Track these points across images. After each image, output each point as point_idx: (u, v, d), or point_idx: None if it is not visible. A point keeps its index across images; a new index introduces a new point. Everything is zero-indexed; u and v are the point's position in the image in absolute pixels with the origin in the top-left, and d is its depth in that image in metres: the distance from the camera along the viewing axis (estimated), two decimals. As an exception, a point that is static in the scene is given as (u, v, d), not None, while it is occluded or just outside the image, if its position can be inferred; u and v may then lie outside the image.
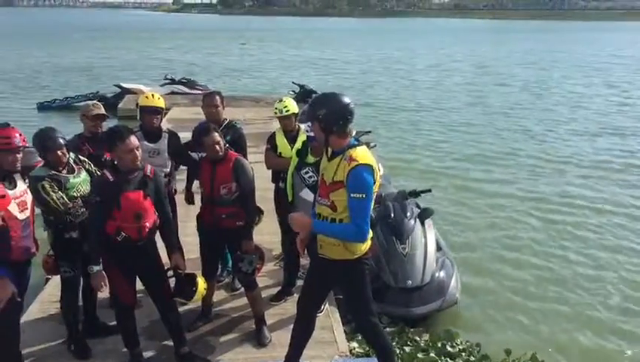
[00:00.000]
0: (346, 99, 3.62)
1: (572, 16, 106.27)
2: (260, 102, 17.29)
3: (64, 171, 4.35)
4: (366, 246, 3.72)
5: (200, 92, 18.45)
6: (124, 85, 18.66)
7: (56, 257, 4.49)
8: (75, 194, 4.35)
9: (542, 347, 5.57)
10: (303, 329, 4.09)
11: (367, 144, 9.86)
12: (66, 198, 4.29)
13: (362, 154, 3.55)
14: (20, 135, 3.91)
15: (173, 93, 17.72)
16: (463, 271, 6.88)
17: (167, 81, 19.11)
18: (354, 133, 10.31)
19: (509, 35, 62.94)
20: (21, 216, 3.89)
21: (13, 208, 3.80)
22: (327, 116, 3.53)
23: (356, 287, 3.80)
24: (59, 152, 4.29)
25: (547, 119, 17.88)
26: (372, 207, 3.56)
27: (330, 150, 3.71)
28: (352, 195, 3.48)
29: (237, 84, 23.70)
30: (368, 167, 3.51)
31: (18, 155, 3.88)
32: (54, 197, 4.23)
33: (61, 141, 4.33)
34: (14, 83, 23.70)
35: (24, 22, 66.19)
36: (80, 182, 4.41)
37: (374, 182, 3.53)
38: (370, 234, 3.71)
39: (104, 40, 45.24)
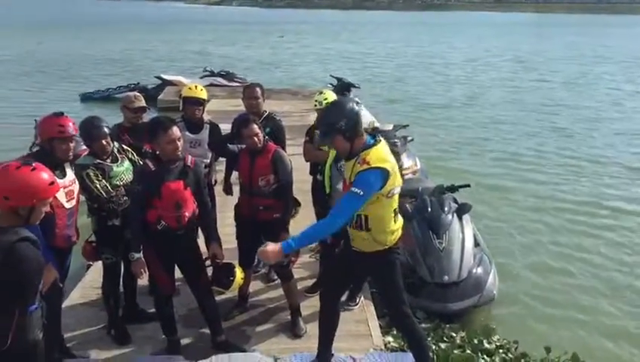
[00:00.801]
0: (351, 103, 3.69)
1: (619, 10, 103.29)
2: (297, 95, 17.33)
3: (108, 160, 4.45)
4: (395, 236, 3.76)
5: (239, 84, 18.57)
6: (165, 77, 18.92)
7: (99, 244, 4.60)
8: (118, 182, 4.44)
9: (582, 347, 5.45)
10: (328, 320, 4.12)
11: (405, 138, 9.86)
12: (109, 187, 4.39)
13: (375, 157, 3.56)
14: (73, 124, 4.01)
15: (212, 85, 17.87)
16: (500, 268, 6.79)
17: (206, 73, 19.30)
18: (391, 127, 10.27)
19: (551, 28, 61.42)
20: (67, 205, 3.99)
21: (61, 196, 3.91)
22: (349, 124, 3.56)
23: (387, 277, 3.84)
24: (103, 141, 4.39)
25: (588, 118, 17.36)
26: (359, 208, 3.55)
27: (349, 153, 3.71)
28: (352, 188, 3.53)
29: (272, 77, 23.76)
30: (378, 171, 3.53)
31: (71, 144, 3.99)
32: (98, 186, 4.33)
33: (106, 130, 4.42)
34: (57, 74, 24.25)
35: (57, 13, 67.14)
36: (123, 171, 4.50)
37: (383, 185, 3.53)
38: (400, 222, 3.80)
39: (141, 32, 45.68)
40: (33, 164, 2.84)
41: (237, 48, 36.32)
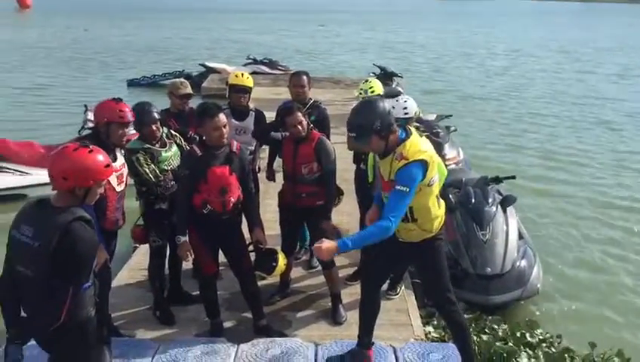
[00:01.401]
0: (382, 102, 3.66)
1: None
2: (339, 84, 17.31)
3: (157, 145, 4.54)
4: (440, 221, 3.78)
5: (281, 72, 18.66)
6: (209, 64, 19.13)
7: (146, 227, 4.70)
8: (165, 167, 4.53)
9: (626, 344, 5.32)
10: (370, 308, 4.12)
11: (448, 128, 9.77)
12: (157, 171, 4.48)
13: (412, 150, 3.55)
14: (130, 110, 4.11)
15: (255, 72, 17.99)
16: (545, 262, 6.67)
17: (249, 61, 19.43)
18: (434, 117, 10.20)
19: (598, 18, 59.55)
20: (118, 188, 4.11)
21: (113, 180, 4.02)
22: (383, 124, 3.54)
23: (434, 264, 3.85)
24: (154, 126, 4.48)
25: (634, 112, 16.77)
26: (408, 204, 3.53)
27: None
28: (397, 187, 3.51)
29: (311, 66, 23.64)
30: (418, 163, 3.52)
31: (127, 130, 4.09)
32: (147, 170, 4.43)
33: (156, 115, 4.51)
34: (103, 60, 24.71)
35: (95, 1, 67.82)
36: (171, 156, 4.59)
37: (424, 177, 3.54)
38: (443, 206, 3.82)
39: (182, 20, 45.95)
40: (90, 146, 2.92)
41: (276, 37, 36.34)
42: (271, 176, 5.70)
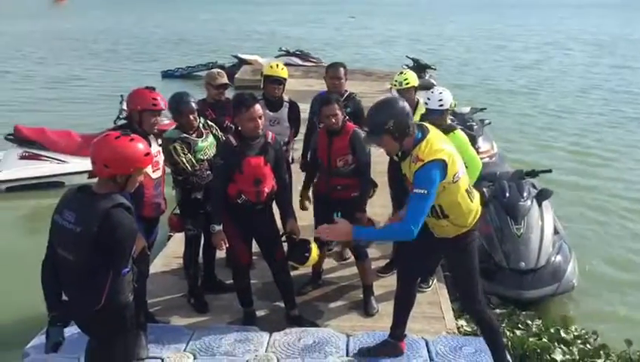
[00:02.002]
0: (401, 102, 3.60)
1: None
2: (371, 76, 17.22)
3: (194, 135, 4.59)
4: (475, 215, 3.70)
5: (313, 64, 18.64)
6: (242, 56, 19.21)
7: (182, 216, 4.77)
8: (202, 157, 4.59)
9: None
10: (404, 301, 4.10)
11: (482, 121, 9.66)
12: (194, 160, 4.54)
13: (427, 151, 3.46)
14: (162, 99, 4.17)
15: (287, 64, 17.95)
16: (580, 258, 6.57)
17: (281, 53, 19.46)
18: (468, 110, 10.09)
19: (637, 11, 57.83)
20: (154, 175, 4.17)
21: (148, 167, 4.08)
22: (397, 125, 3.46)
23: (464, 263, 3.80)
24: (191, 116, 4.54)
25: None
26: (430, 205, 3.47)
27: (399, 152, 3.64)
28: (415, 190, 3.45)
29: (340, 58, 23.36)
30: (435, 163, 3.44)
31: (159, 118, 4.16)
32: (184, 159, 4.49)
33: (194, 105, 4.57)
34: (135, 52, 24.99)
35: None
36: (207, 145, 4.64)
37: (444, 176, 3.45)
38: (477, 199, 3.74)
39: (209, 12, 45.89)
40: (131, 135, 2.98)
41: (306, 28, 36.19)
42: (305, 167, 5.71)
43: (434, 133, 3.58)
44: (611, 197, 9.36)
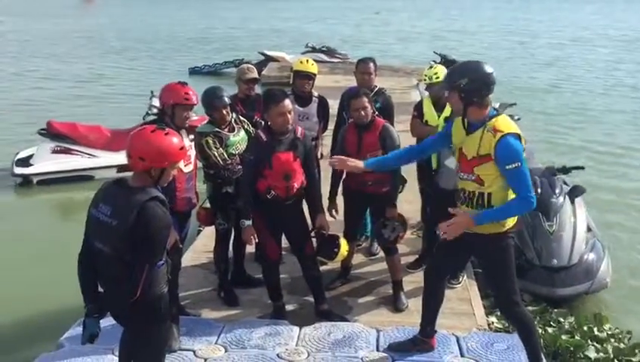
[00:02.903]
0: (489, 68, 3.49)
1: None
2: (398, 72, 17.14)
3: (226, 129, 4.63)
4: (515, 220, 3.60)
5: (340, 60, 18.60)
6: (268, 53, 19.27)
7: (213, 210, 4.80)
8: (233, 151, 4.62)
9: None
10: (433, 297, 4.04)
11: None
12: (225, 155, 4.57)
13: (505, 124, 3.43)
14: (194, 94, 4.21)
15: (314, 61, 17.98)
16: (614, 256, 6.45)
17: (308, 49, 19.43)
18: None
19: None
20: (186, 170, 4.21)
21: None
22: (469, 85, 3.39)
23: (501, 263, 3.68)
24: (224, 111, 4.57)
25: None
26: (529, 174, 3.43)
27: (467, 122, 3.55)
28: (506, 167, 3.37)
29: (364, 55, 23.08)
30: (516, 135, 3.40)
31: (191, 112, 4.19)
32: (216, 153, 4.52)
33: (227, 100, 4.61)
34: (163, 49, 25.12)
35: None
36: (239, 140, 4.67)
37: (523, 150, 3.42)
38: None
39: (230, 10, 45.61)
40: (166, 129, 3.01)
41: (329, 25, 35.85)
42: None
43: (507, 116, 3.55)
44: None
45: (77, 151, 9.57)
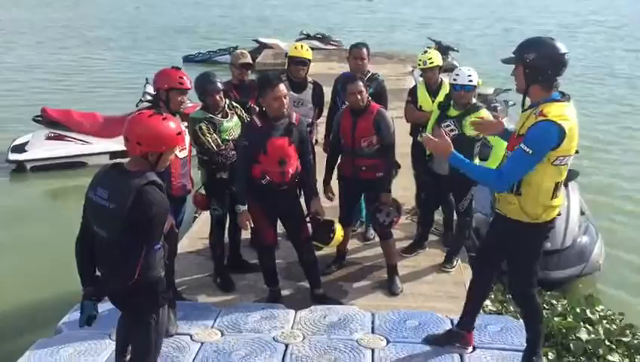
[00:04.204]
0: (563, 48, 3.22)
1: None
2: (393, 58, 17.09)
3: (219, 115, 4.64)
4: (549, 214, 3.38)
5: (334, 47, 18.54)
6: (262, 40, 19.18)
7: (208, 196, 4.83)
8: (227, 137, 4.63)
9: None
10: (476, 289, 3.87)
11: (506, 102, 9.54)
12: (219, 140, 4.58)
13: (556, 112, 3.15)
14: (188, 78, 4.22)
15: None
16: (607, 239, 6.52)
17: (302, 36, 19.34)
18: (492, 91, 9.91)
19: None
20: (181, 155, 4.22)
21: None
22: (536, 62, 3.18)
23: (522, 255, 3.54)
24: (217, 96, 4.58)
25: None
26: (531, 168, 3.22)
27: (527, 100, 3.35)
28: (521, 145, 3.18)
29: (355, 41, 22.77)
30: (555, 126, 3.13)
31: (185, 97, 4.20)
32: (209, 139, 4.54)
33: (220, 86, 4.61)
34: (157, 37, 24.81)
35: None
36: (232, 126, 4.68)
37: (557, 144, 3.15)
38: (559, 200, 3.40)
39: None
40: (164, 114, 3.03)
41: (315, 12, 35.26)
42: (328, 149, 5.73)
43: (572, 107, 3.28)
44: (637, 180, 9.23)
45: (70, 137, 9.59)
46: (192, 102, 6.45)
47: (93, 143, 9.54)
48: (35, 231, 7.27)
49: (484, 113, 4.82)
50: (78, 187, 7.46)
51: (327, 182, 5.04)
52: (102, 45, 22.50)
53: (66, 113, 9.76)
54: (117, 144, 8.35)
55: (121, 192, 2.86)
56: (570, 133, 3.18)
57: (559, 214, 3.50)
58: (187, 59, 19.02)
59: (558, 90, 3.29)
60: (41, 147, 9.51)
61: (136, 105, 9.09)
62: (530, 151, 3.17)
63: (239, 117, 4.78)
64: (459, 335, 3.98)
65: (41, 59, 19.51)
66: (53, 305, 5.17)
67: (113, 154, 8.77)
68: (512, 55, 3.33)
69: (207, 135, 4.53)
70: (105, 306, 3.52)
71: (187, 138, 4.39)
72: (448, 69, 8.43)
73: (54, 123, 9.60)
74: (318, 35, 19.55)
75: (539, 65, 3.20)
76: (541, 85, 3.25)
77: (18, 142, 9.72)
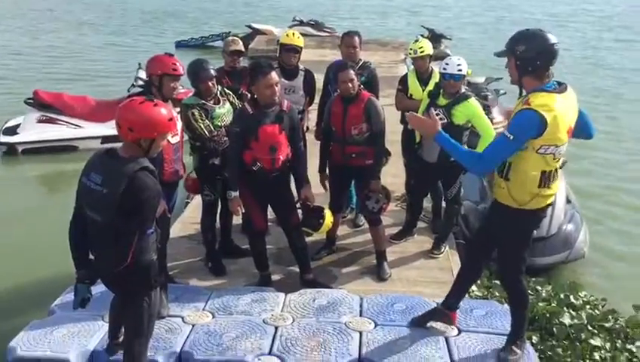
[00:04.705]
0: (552, 39, 3.29)
1: None
2: (386, 46, 17.09)
3: (211, 102, 4.68)
4: (537, 202, 3.44)
5: (327, 34, 18.51)
6: (255, 26, 19.12)
7: (200, 182, 4.88)
8: (219, 123, 4.68)
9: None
10: (467, 273, 3.97)
11: (497, 91, 9.62)
12: (211, 126, 4.63)
13: (541, 102, 3.21)
14: (181, 64, 4.26)
15: (301, 34, 17.84)
16: (592, 227, 6.64)
17: (295, 23, 19.29)
18: (483, 80, 9.95)
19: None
20: (173, 140, 4.27)
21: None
22: (526, 53, 3.25)
23: (510, 240, 3.62)
24: (209, 83, 4.62)
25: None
26: (511, 153, 3.31)
27: (521, 91, 3.40)
28: (504, 131, 3.29)
29: (346, 28, 22.48)
30: (537, 115, 3.18)
31: (177, 83, 4.24)
32: (202, 125, 4.59)
33: (212, 72, 4.65)
34: (149, 22, 24.57)
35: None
36: (224, 113, 4.73)
37: (537, 135, 3.22)
38: (552, 191, 3.46)
39: None
40: (155, 100, 3.08)
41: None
42: (320, 136, 5.78)
43: (567, 95, 3.34)
44: (622, 168, 9.41)
45: (62, 121, 9.60)
46: (184, 88, 6.48)
47: (85, 127, 9.56)
48: (26, 213, 7.31)
49: (473, 102, 4.89)
50: (69, 170, 7.49)
51: (322, 170, 5.10)
52: (89, 30, 22.18)
53: (57, 96, 9.76)
54: (108, 128, 8.36)
55: (114, 178, 2.92)
56: (553, 123, 3.22)
57: (550, 204, 3.57)
58: (180, 45, 18.93)
59: (552, 79, 3.35)
60: (33, 130, 9.52)
61: (128, 91, 9.11)
62: (511, 137, 3.25)
63: (231, 103, 4.83)
64: (443, 314, 4.07)
65: (28, 44, 19.25)
66: (45, 286, 5.23)
67: (105, 139, 8.78)
68: (504, 48, 3.39)
69: (200, 121, 4.58)
70: (98, 288, 3.58)
71: (179, 124, 4.43)
72: (441, 57, 8.48)
73: (46, 106, 9.61)
74: (312, 22, 19.49)
75: (529, 57, 3.27)
76: (532, 76, 3.32)
77: (10, 124, 9.73)
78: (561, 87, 3.36)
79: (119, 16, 25.77)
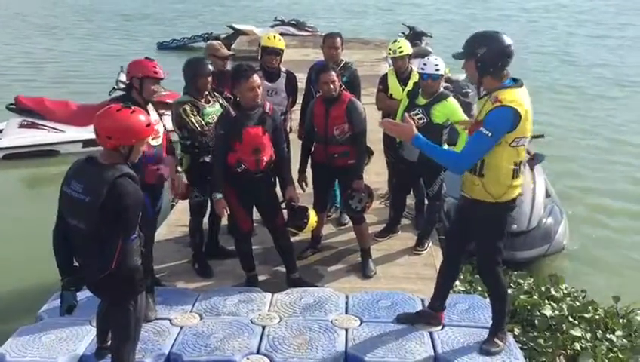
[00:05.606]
0: (508, 40, 3.47)
1: None
2: (368, 45, 17.17)
3: (202, 100, 4.78)
4: (511, 193, 3.59)
5: (309, 34, 18.54)
6: (237, 26, 19.10)
7: (189, 183, 4.89)
8: (209, 120, 4.76)
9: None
10: (446, 271, 4.07)
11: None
12: (202, 122, 4.71)
13: (510, 97, 3.40)
14: (161, 68, 4.32)
15: (282, 34, 17.77)
16: (572, 220, 6.76)
17: (277, 23, 19.31)
18: (463, 77, 10.07)
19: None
20: (154, 143, 4.29)
21: None
22: (486, 56, 3.40)
23: (487, 234, 3.72)
24: (208, 78, 4.75)
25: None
26: (488, 149, 3.42)
27: (482, 90, 3.58)
28: (481, 128, 3.40)
29: (326, 27, 22.58)
30: (508, 109, 3.36)
31: (158, 86, 4.29)
32: (193, 120, 4.68)
33: (210, 69, 4.79)
34: (128, 25, 24.33)
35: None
36: (214, 111, 4.82)
37: (512, 128, 3.38)
38: (521, 180, 3.63)
39: None
40: (132, 107, 3.11)
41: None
42: (302, 137, 5.83)
43: (524, 89, 3.50)
44: (602, 161, 9.54)
45: (43, 125, 9.58)
46: (165, 91, 6.52)
47: (67, 131, 9.54)
48: (9, 219, 7.28)
49: (451, 101, 4.98)
50: (51, 175, 7.46)
51: (302, 170, 5.17)
52: (64, 35, 21.87)
53: (39, 101, 9.74)
54: (90, 132, 8.27)
55: (95, 185, 2.94)
56: (525, 116, 3.42)
57: (521, 194, 3.73)
58: (162, 47, 18.89)
59: (509, 77, 3.52)
60: (14, 135, 9.49)
61: (109, 94, 9.11)
62: (490, 134, 3.39)
63: (221, 105, 4.90)
64: (430, 315, 4.17)
65: (3, 51, 18.95)
66: (32, 292, 5.24)
67: (86, 143, 8.81)
68: (461, 50, 3.54)
69: (191, 116, 4.67)
70: (85, 293, 3.60)
71: (160, 126, 4.46)
72: (422, 54, 8.58)
73: (28, 111, 9.58)
74: (293, 22, 19.51)
75: (489, 58, 3.43)
76: (492, 76, 3.49)
77: None
78: (517, 83, 3.53)
79: (92, 20, 25.26)
